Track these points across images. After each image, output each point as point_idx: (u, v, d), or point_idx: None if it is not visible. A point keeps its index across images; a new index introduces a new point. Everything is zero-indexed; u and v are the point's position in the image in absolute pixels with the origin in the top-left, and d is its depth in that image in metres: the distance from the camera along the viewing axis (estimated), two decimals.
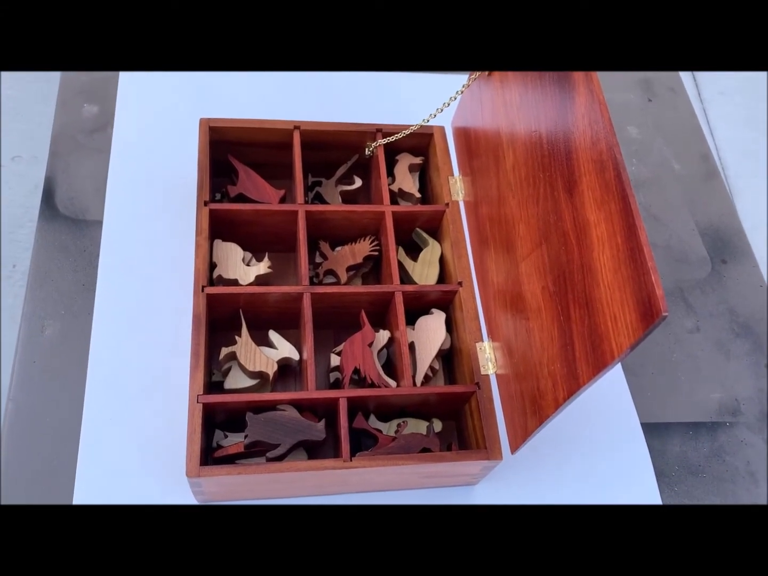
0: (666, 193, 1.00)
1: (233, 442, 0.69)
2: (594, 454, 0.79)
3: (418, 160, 0.88)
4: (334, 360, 0.75)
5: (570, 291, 0.54)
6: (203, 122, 0.81)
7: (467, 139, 0.82)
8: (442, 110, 0.79)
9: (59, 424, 0.71)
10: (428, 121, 0.81)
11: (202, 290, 0.71)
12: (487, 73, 0.74)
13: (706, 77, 2.17)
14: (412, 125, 0.83)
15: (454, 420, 0.77)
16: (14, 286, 1.56)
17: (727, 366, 0.87)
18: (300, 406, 0.69)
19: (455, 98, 0.79)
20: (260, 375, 0.72)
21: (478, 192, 0.77)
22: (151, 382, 0.75)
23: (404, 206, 0.82)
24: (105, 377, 0.74)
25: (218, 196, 0.84)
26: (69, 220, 0.84)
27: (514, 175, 0.66)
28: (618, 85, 1.09)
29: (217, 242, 0.79)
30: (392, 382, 0.74)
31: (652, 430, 0.81)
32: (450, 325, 0.79)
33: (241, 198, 0.82)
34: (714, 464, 0.80)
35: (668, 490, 0.78)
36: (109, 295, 0.79)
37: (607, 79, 1.09)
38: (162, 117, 0.93)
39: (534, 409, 0.61)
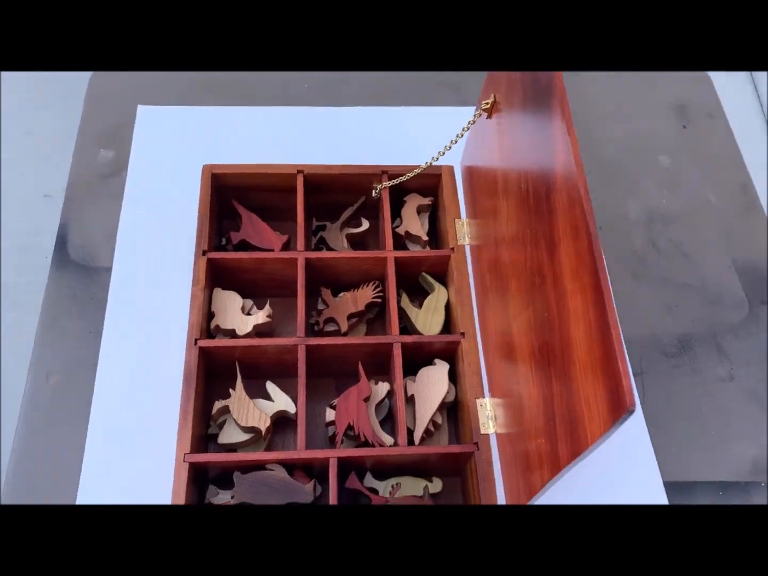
0: (700, 228, 0.94)
1: (223, 499, 0.68)
2: None
3: (426, 201, 0.85)
4: (330, 414, 0.73)
5: (552, 364, 0.50)
6: (206, 169, 0.81)
7: (472, 180, 0.78)
8: (443, 153, 0.76)
9: (59, 477, 0.72)
10: (435, 161, 0.78)
11: (195, 343, 0.71)
12: (486, 115, 0.70)
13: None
14: (418, 166, 0.81)
15: (460, 476, 0.74)
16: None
17: (762, 420, 0.80)
18: (290, 465, 0.67)
19: (462, 135, 0.76)
20: (253, 430, 0.71)
21: (480, 238, 0.74)
22: (149, 436, 0.73)
23: (407, 252, 0.79)
24: (106, 429, 0.74)
25: (224, 240, 0.83)
26: (79, 266, 0.85)
27: (507, 228, 0.62)
28: (650, 111, 1.03)
29: (217, 291, 0.78)
30: (389, 439, 0.71)
31: (676, 490, 0.75)
32: (454, 377, 0.75)
33: (244, 244, 0.81)
34: None
35: None
36: (114, 344, 0.79)
37: (638, 104, 1.03)
38: (174, 161, 0.93)
39: (525, 480, 0.57)
